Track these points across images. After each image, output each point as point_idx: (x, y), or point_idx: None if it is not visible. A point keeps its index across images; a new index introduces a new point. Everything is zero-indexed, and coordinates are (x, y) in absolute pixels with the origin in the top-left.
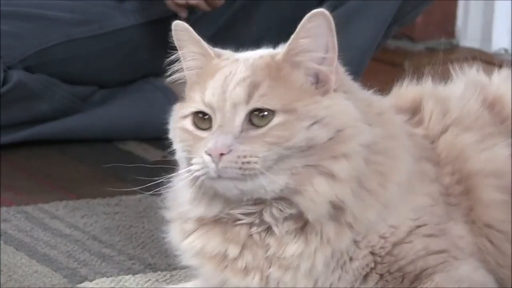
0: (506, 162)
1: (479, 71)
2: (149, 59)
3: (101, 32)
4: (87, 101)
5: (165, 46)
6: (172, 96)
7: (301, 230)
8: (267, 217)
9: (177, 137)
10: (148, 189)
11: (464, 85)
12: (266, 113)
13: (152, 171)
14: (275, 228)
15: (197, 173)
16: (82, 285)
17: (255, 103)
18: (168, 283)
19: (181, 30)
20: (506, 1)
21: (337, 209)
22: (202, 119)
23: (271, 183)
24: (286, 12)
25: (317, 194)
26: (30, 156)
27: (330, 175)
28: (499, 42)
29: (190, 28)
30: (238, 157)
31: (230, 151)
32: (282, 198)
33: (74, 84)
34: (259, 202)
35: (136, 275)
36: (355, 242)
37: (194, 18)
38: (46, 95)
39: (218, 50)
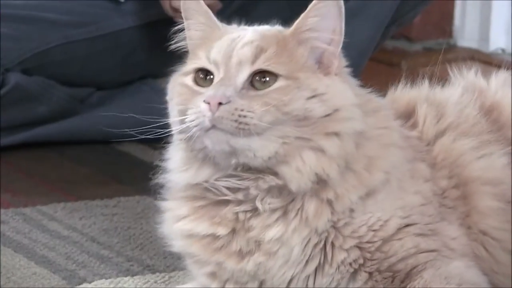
0: (503, 171)
1: (477, 73)
2: (147, 61)
3: (98, 34)
4: (85, 102)
5: (162, 47)
6: None
7: (283, 213)
8: (252, 189)
9: (175, 93)
10: (146, 190)
11: (461, 89)
12: (268, 78)
13: (150, 172)
14: (258, 204)
15: (190, 124)
16: (80, 286)
17: (261, 64)
18: (166, 285)
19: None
20: (503, 1)
21: (320, 184)
22: (203, 78)
23: (262, 147)
24: (285, 13)
25: (303, 165)
26: (28, 158)
27: (320, 150)
28: (496, 42)
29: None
30: (236, 109)
31: (228, 102)
32: (268, 170)
33: (72, 86)
34: (245, 177)
35: (134, 277)
36: (336, 228)
37: None
38: (44, 97)
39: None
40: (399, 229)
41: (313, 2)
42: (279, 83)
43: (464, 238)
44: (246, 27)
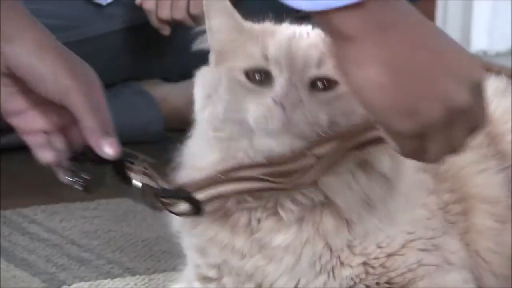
0: (500, 189)
1: None
2: (130, 64)
3: (81, 37)
4: None
5: (146, 50)
6: (151, 100)
7: (298, 220)
8: (285, 200)
9: (222, 86)
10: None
11: None
12: (327, 85)
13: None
14: (281, 213)
15: (253, 123)
16: None
17: (326, 71)
18: (147, 287)
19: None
20: (484, 4)
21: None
22: (260, 79)
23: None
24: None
25: (356, 182)
26: (8, 160)
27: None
28: (478, 44)
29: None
30: (310, 111)
31: (302, 104)
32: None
33: None
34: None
35: (114, 279)
36: (350, 247)
37: None
38: None
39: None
40: (404, 244)
41: None
42: (342, 87)
43: (464, 252)
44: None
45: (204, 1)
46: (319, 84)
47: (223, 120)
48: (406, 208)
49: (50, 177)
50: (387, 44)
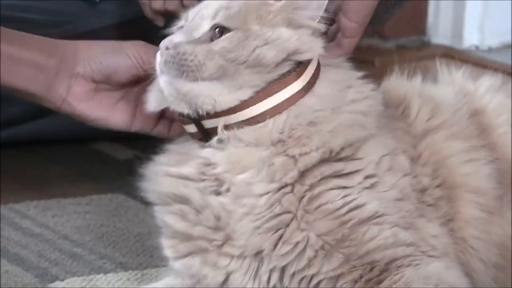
0: (487, 180)
1: (465, 75)
2: None
3: (74, 33)
4: None
5: None
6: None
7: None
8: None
9: None
10: (119, 188)
11: (453, 91)
12: (224, 32)
13: (123, 170)
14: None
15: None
16: (53, 284)
17: (218, 19)
18: (139, 282)
19: None
20: None
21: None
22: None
23: (220, 94)
24: None
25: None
26: (0, 156)
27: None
28: (470, 39)
29: None
30: (178, 53)
31: (174, 47)
32: None
33: None
34: None
35: (107, 274)
36: (304, 196)
37: None
38: (16, 98)
39: None
40: (377, 215)
41: None
42: (231, 34)
43: (446, 237)
44: None
45: None
46: (217, 32)
47: None
48: (372, 182)
49: (43, 172)
50: None
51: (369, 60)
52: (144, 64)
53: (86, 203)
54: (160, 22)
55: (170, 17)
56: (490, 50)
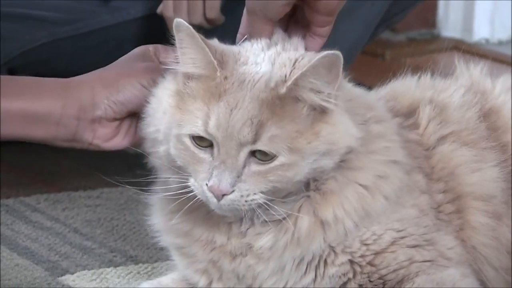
0: (494, 185)
1: (483, 71)
2: None
3: (86, 30)
4: None
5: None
6: None
7: (276, 223)
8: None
9: (172, 144)
10: (129, 181)
11: (464, 89)
12: (269, 155)
13: (133, 163)
14: (256, 221)
15: (195, 193)
16: (63, 278)
17: (261, 146)
18: (149, 276)
19: (184, 29)
20: None
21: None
22: (201, 143)
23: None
24: None
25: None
26: (10, 150)
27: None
28: (480, 32)
29: (194, 31)
30: (242, 196)
31: (233, 191)
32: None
33: None
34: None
35: (117, 268)
36: (331, 246)
37: None
38: None
39: (220, 50)
40: (393, 242)
41: (315, 60)
42: (282, 158)
43: (460, 248)
44: (242, 69)
45: (174, 31)
46: (259, 152)
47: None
48: (394, 209)
49: (53, 166)
50: None
51: (379, 53)
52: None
53: (97, 196)
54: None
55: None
56: (500, 43)
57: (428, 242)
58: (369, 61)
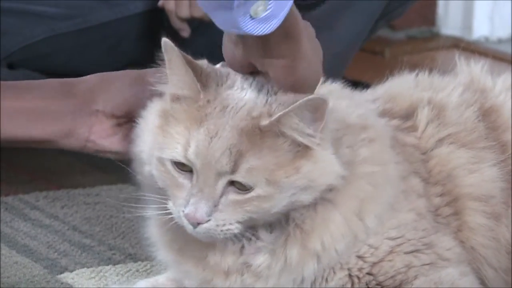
0: (493, 185)
1: (483, 69)
2: (133, 50)
3: (86, 26)
4: None
5: (149, 36)
6: None
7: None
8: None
9: (154, 166)
10: (128, 179)
11: (463, 87)
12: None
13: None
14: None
15: (173, 216)
16: (62, 275)
17: (239, 178)
18: (148, 273)
19: (170, 51)
20: None
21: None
22: (181, 168)
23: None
24: None
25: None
26: (9, 147)
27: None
28: (479, 30)
29: (178, 52)
30: (217, 225)
31: (208, 220)
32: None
33: (55, 77)
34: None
35: (116, 266)
36: (329, 267)
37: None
38: None
39: (206, 72)
40: (391, 251)
41: (300, 102)
42: (259, 190)
43: (459, 248)
44: (224, 96)
45: (163, 49)
46: (237, 184)
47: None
48: (390, 216)
49: (52, 163)
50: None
51: (378, 50)
52: None
53: (96, 194)
54: (186, 32)
55: (196, 25)
56: (500, 41)
57: (427, 245)
58: (368, 58)
